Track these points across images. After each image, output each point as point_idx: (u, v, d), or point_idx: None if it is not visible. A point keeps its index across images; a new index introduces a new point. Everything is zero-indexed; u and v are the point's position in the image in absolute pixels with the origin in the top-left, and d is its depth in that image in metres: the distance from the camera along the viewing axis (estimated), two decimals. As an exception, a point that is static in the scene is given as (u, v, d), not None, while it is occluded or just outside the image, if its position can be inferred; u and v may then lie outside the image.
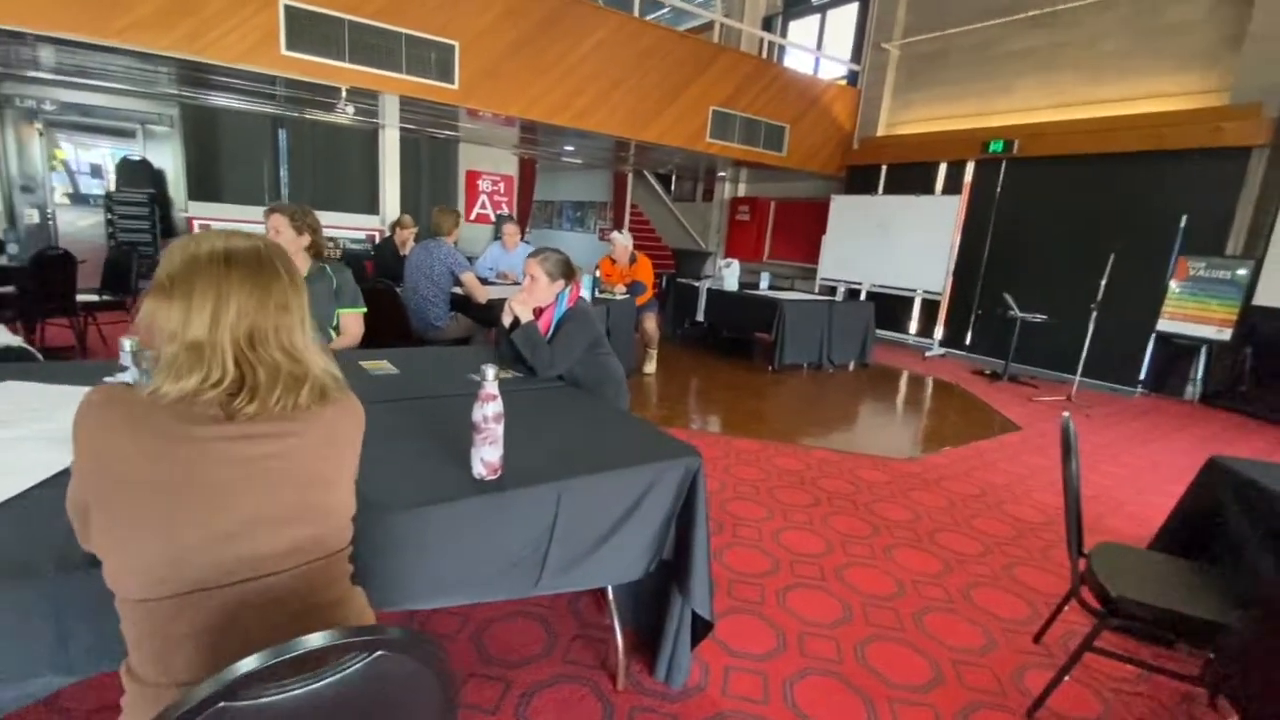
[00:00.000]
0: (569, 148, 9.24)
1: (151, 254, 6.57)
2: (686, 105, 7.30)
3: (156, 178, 7.14)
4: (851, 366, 6.45)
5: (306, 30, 5.12)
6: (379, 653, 0.68)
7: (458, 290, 3.88)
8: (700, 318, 6.73)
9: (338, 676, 0.66)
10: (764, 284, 6.85)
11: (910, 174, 8.22)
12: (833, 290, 8.52)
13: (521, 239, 5.31)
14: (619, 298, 4.91)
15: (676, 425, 4.11)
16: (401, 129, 7.48)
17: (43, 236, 6.56)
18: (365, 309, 2.52)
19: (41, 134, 6.64)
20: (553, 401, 2.00)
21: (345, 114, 5.79)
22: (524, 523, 1.35)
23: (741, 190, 10.93)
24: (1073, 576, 1.76)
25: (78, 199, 6.84)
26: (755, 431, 4.10)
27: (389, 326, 3.89)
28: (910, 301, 8.19)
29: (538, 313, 2.36)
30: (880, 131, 8.76)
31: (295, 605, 0.88)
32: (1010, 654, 2.00)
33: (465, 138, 8.98)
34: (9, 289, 4.12)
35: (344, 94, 5.48)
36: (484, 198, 9.62)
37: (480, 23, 5.85)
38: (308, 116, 7.57)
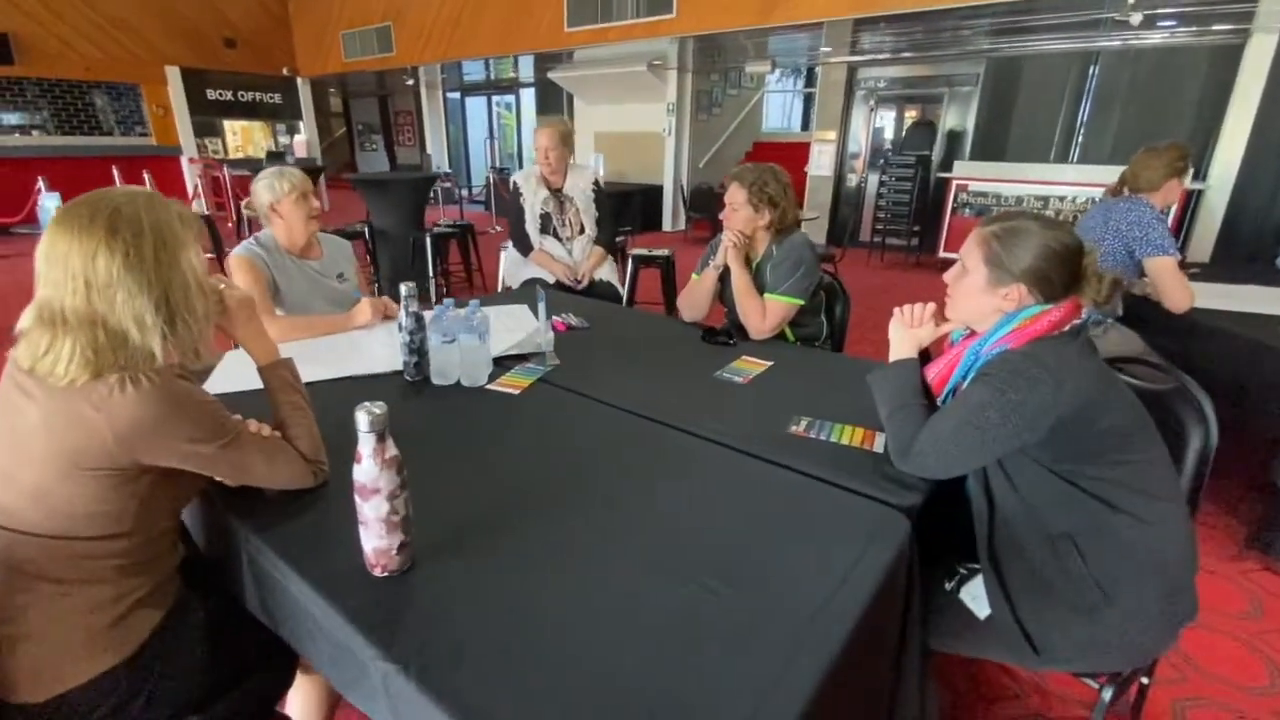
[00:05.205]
0: None
1: (906, 215, 6.99)
2: None
3: (941, 140, 7.38)
4: None
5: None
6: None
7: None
8: None
9: None
10: None
11: None
12: None
13: None
14: None
15: None
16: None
17: (852, 192, 8.08)
18: (795, 299, 1.89)
19: (873, 109, 7.92)
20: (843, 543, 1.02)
21: (1131, 23, 4.20)
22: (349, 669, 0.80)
23: None
24: None
25: (873, 164, 7.91)
26: None
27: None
28: None
29: (940, 349, 1.19)
30: None
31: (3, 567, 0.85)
32: None
33: None
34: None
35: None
36: None
37: None
38: (1133, 44, 5.93)
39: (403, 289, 1.49)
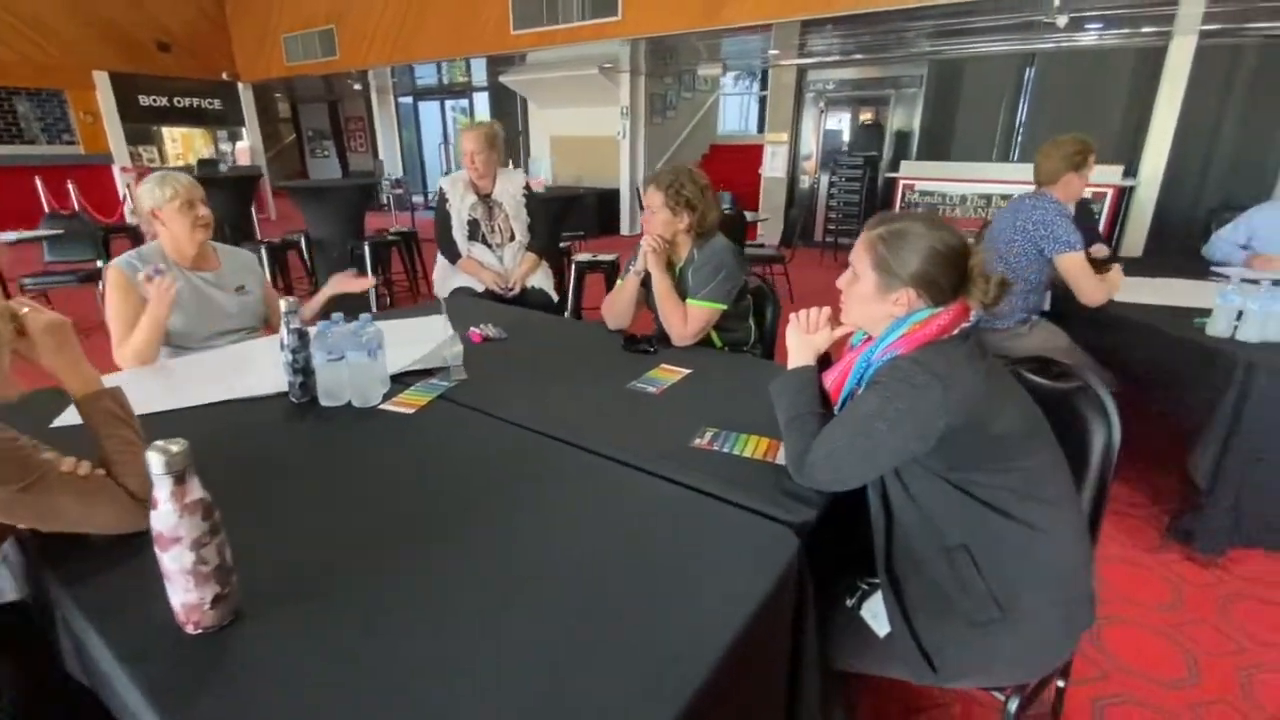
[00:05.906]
0: None
1: (857, 214, 7.07)
2: None
3: (890, 141, 7.49)
4: None
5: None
6: None
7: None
8: None
9: None
10: None
11: None
12: None
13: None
14: None
15: None
16: (1205, 33, 5.08)
17: (806, 193, 8.13)
18: (717, 304, 1.84)
19: (823, 111, 8.00)
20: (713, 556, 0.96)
21: (1058, 25, 4.30)
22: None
23: None
24: None
25: (825, 165, 8.00)
26: None
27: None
28: None
29: (838, 352, 1.15)
30: None
31: None
32: None
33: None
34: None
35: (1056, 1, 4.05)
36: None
37: None
38: (1065, 45, 6.10)
39: (283, 304, 1.39)
